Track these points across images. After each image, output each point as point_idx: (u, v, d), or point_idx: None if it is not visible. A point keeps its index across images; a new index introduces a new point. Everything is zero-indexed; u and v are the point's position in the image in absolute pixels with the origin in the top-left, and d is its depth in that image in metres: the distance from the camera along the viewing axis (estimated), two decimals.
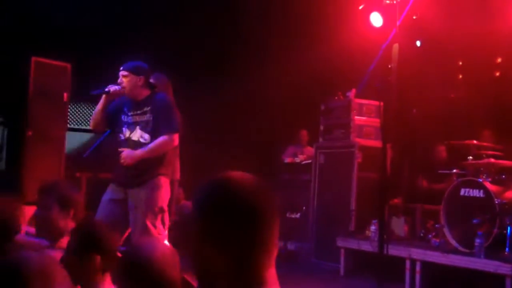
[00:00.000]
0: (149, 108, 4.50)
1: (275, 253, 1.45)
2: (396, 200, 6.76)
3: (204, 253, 1.42)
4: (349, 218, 6.58)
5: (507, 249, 5.06)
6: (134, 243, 2.18)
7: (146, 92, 4.55)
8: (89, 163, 6.96)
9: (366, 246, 5.94)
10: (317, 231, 7.05)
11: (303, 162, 7.86)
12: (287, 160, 8.20)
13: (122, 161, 4.35)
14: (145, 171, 4.38)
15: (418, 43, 6.83)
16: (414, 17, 5.36)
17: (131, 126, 4.53)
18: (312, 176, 7.26)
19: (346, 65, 7.28)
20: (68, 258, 2.45)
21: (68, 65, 7.06)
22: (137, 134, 4.51)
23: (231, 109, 8.52)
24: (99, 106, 4.54)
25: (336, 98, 7.24)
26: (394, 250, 5.08)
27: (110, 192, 4.45)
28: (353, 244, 6.25)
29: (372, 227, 5.98)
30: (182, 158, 5.51)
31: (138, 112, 4.52)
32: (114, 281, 2.39)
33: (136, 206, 4.32)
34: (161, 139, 4.41)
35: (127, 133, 4.54)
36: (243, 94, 8.34)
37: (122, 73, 4.51)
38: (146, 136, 4.47)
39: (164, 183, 4.43)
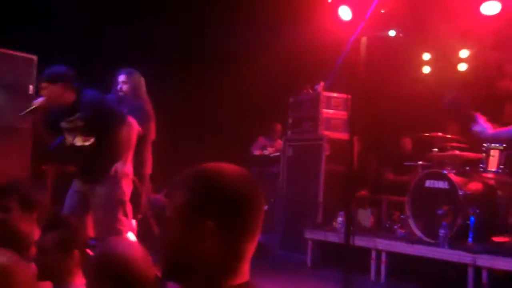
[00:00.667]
0: (79, 113, 4.39)
1: (255, 246, 1.46)
2: (363, 192, 6.86)
3: (186, 241, 1.41)
4: (317, 210, 6.65)
5: (470, 239, 5.18)
6: (105, 243, 2.13)
7: (72, 97, 4.38)
8: (55, 156, 6.86)
9: (333, 238, 6.01)
10: (285, 223, 7.11)
11: (272, 155, 7.91)
12: (256, 152, 8.23)
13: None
14: (102, 167, 4.36)
15: (389, 33, 6.89)
16: (382, 11, 5.44)
17: (71, 133, 4.47)
18: (280, 169, 7.31)
19: (315, 58, 7.32)
20: (44, 257, 2.40)
21: (35, 57, 6.94)
22: (80, 140, 4.46)
23: (202, 102, 8.50)
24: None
25: (304, 91, 7.29)
26: (360, 241, 5.15)
27: (75, 185, 4.47)
28: (320, 236, 6.32)
29: (339, 219, 6.05)
30: (153, 152, 5.49)
31: (71, 118, 4.43)
32: (85, 276, 2.36)
33: (96, 202, 4.33)
34: (124, 133, 4.38)
35: (69, 139, 4.49)
36: (214, 87, 8.33)
37: (41, 85, 4.37)
38: (88, 139, 4.42)
39: (123, 175, 4.41)
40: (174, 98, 8.02)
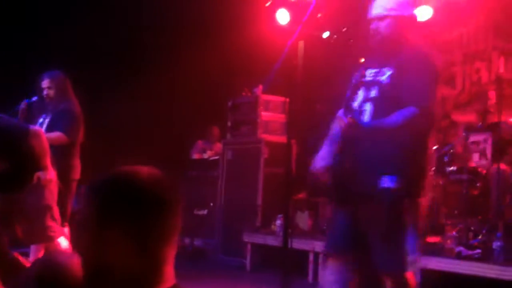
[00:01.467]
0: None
1: (175, 249, 1.44)
2: (300, 195, 6.90)
3: (99, 248, 1.37)
4: (255, 214, 6.65)
5: None
6: (44, 259, 2.03)
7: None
8: None
9: (271, 241, 6.02)
10: (224, 227, 7.07)
11: (211, 158, 7.85)
12: (195, 156, 8.16)
13: None
14: (24, 180, 4.30)
15: (323, 35, 6.97)
16: (319, 15, 5.50)
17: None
18: (219, 172, 7.27)
19: (254, 61, 7.34)
20: None
21: None
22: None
23: (138, 106, 8.35)
24: None
25: (243, 94, 7.29)
26: (298, 244, 5.19)
27: None
28: (259, 239, 6.32)
29: (278, 222, 6.07)
30: (85, 156, 5.35)
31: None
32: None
33: (23, 211, 4.21)
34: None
35: None
36: (151, 91, 8.20)
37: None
38: None
39: (46, 182, 4.32)
40: (109, 101, 7.84)
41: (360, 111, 3.00)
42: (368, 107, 2.99)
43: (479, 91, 6.58)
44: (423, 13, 6.74)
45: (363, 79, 3.15)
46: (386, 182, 2.86)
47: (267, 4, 7.01)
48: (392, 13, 3.11)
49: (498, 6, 7.06)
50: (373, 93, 3.02)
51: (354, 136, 2.89)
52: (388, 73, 3.01)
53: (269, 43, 6.05)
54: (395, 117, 2.87)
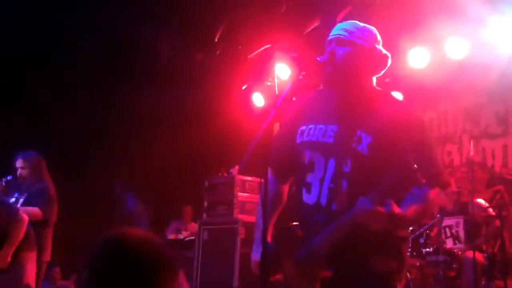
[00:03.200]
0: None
1: None
2: (278, 276, 6.81)
3: None
4: None
5: None
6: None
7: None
8: None
9: None
10: None
11: (187, 239, 7.77)
12: (170, 236, 8.07)
13: None
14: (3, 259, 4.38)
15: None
16: (294, 99, 5.65)
17: None
18: (195, 253, 7.18)
19: (230, 142, 7.44)
20: None
21: None
22: None
23: (113, 184, 8.30)
24: None
25: (219, 174, 7.33)
26: None
27: None
28: None
29: None
30: (58, 236, 5.29)
31: None
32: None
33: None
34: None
35: None
36: (126, 169, 8.19)
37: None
38: None
39: (26, 261, 4.39)
40: (83, 180, 7.78)
41: (330, 188, 2.37)
42: (342, 184, 2.34)
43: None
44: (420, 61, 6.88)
45: (316, 140, 2.46)
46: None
47: (243, 88, 7.21)
48: (358, 41, 2.43)
49: (466, 91, 7.35)
50: (347, 166, 2.34)
51: (380, 227, 2.17)
52: (366, 140, 2.33)
53: (245, 125, 6.18)
54: (420, 204, 2.25)
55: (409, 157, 2.18)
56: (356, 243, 2.28)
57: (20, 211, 4.61)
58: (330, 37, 2.49)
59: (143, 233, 1.48)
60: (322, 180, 2.41)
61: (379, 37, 2.53)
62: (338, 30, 2.48)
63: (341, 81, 2.44)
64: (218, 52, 7.53)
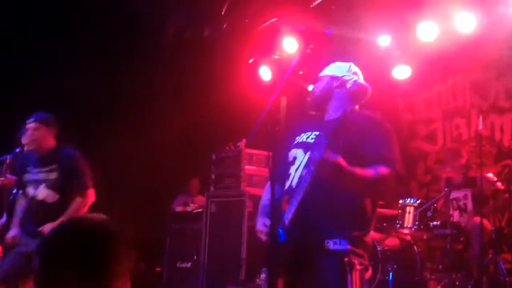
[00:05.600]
0: (55, 165, 4.38)
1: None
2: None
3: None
4: (240, 267, 6.60)
5: None
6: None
7: (51, 145, 4.45)
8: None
9: None
10: (208, 280, 6.99)
11: (195, 211, 7.83)
12: (178, 209, 8.13)
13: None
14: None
15: (309, 88, 7.11)
16: (301, 72, 5.63)
17: (35, 185, 4.40)
18: (203, 225, 7.25)
19: (237, 116, 7.44)
20: None
21: None
22: (43, 193, 4.36)
23: (120, 158, 8.33)
24: None
25: (227, 148, 7.36)
26: None
27: (20, 247, 4.34)
28: None
29: (262, 276, 6.01)
30: None
31: (45, 169, 4.39)
32: None
33: None
34: (76, 202, 4.34)
35: (31, 191, 4.41)
36: (132, 142, 8.21)
37: (29, 125, 4.40)
38: (53, 195, 4.34)
39: None
40: (95, 152, 7.81)
41: (301, 175, 2.85)
42: (310, 168, 2.75)
43: (453, 149, 6.71)
44: (402, 72, 6.95)
45: (301, 141, 3.07)
46: (335, 244, 2.77)
47: (250, 61, 7.18)
48: (330, 73, 3.14)
49: (475, 65, 7.30)
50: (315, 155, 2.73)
51: (330, 176, 2.65)
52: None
53: (252, 99, 6.17)
54: (372, 171, 2.75)
55: (367, 147, 2.81)
56: (317, 203, 2.75)
57: (90, 191, 4.45)
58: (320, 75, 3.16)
59: (92, 216, 1.67)
60: (297, 169, 2.95)
61: (357, 73, 3.16)
62: (325, 70, 3.17)
63: (315, 102, 3.14)
64: (224, 26, 7.49)
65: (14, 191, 4.77)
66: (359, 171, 2.71)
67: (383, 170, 2.76)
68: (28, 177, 4.46)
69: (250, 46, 7.27)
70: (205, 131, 8.19)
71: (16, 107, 7.02)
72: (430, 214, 5.81)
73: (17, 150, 4.96)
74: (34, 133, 4.37)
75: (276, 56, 7.02)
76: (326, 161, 2.59)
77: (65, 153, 4.42)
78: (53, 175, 4.36)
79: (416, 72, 7.15)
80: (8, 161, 4.58)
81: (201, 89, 7.94)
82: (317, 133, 3.00)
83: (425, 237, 5.86)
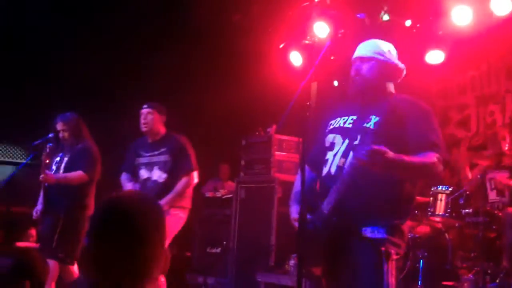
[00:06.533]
0: (165, 148, 4.96)
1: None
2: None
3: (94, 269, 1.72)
4: (269, 253, 6.61)
5: (419, 282, 5.24)
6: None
7: (162, 131, 5.05)
8: (1, 196, 6.66)
9: (285, 281, 5.98)
10: (237, 266, 7.04)
11: (224, 197, 7.86)
12: (208, 194, 8.18)
13: None
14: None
15: (335, 83, 7.08)
16: (332, 58, 5.58)
17: (148, 167, 4.98)
18: (232, 211, 7.27)
19: (267, 101, 7.42)
20: None
21: None
22: (156, 174, 4.94)
23: None
24: None
25: (256, 133, 7.35)
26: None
27: None
28: (272, 279, 6.28)
29: (291, 262, 6.03)
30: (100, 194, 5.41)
31: (155, 152, 4.99)
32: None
33: None
34: (182, 182, 4.90)
35: (145, 174, 4.98)
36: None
37: (147, 110, 5.01)
38: (164, 175, 4.91)
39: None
40: (124, 137, 7.88)
41: (340, 163, 2.84)
42: (349, 154, 2.78)
43: (492, 134, 6.58)
44: (435, 57, 6.82)
45: (338, 126, 2.99)
46: (373, 232, 2.75)
47: (281, 46, 7.12)
48: (378, 57, 2.99)
49: (510, 49, 7.12)
50: (357, 141, 2.82)
51: (378, 168, 2.56)
52: (374, 120, 2.82)
53: (283, 84, 6.14)
54: (420, 158, 2.69)
55: (410, 132, 2.76)
56: (357, 191, 2.71)
57: (195, 172, 4.97)
58: (354, 57, 3.03)
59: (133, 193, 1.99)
60: (335, 154, 2.91)
61: (394, 52, 3.07)
62: (361, 49, 3.04)
63: (365, 87, 2.97)
64: (255, 11, 7.44)
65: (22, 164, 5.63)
66: (408, 159, 2.66)
67: (431, 156, 2.71)
68: (141, 160, 5.03)
69: (280, 31, 7.21)
70: (235, 116, 8.18)
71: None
72: (463, 202, 5.73)
73: (51, 135, 5.14)
74: (148, 117, 4.97)
75: (307, 41, 6.95)
76: (374, 154, 2.52)
77: (174, 138, 5.00)
78: (163, 158, 4.92)
79: (450, 57, 7.01)
80: (48, 150, 4.88)
81: (231, 74, 7.93)
82: (354, 117, 2.95)
83: (457, 224, 5.79)
